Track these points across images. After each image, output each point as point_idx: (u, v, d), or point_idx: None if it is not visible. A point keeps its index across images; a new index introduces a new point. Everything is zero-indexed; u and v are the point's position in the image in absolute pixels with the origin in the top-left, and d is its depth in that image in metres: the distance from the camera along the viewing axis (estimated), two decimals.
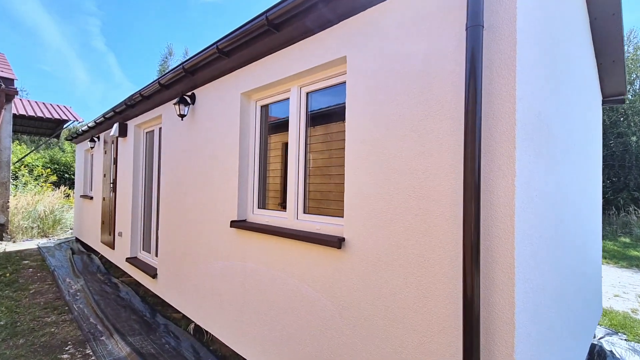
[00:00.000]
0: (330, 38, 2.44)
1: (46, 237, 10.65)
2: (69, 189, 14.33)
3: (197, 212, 3.84)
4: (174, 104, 3.91)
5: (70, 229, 11.50)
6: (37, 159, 17.59)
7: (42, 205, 11.30)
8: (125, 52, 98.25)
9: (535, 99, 1.74)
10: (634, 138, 16.16)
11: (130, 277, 6.09)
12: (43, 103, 15.26)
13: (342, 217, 2.47)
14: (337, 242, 2.23)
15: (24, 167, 14.78)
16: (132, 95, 5.05)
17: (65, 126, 15.17)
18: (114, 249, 6.49)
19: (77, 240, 9.66)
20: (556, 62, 2.16)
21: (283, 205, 3.15)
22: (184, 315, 4.44)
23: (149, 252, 5.53)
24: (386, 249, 2.01)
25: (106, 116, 6.36)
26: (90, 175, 8.96)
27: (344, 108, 2.58)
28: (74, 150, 19.67)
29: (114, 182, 6.51)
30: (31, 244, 9.43)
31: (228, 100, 3.41)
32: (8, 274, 6.42)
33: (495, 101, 1.59)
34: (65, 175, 17.27)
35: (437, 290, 1.77)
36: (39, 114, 13.49)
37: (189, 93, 4.06)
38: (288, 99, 2.99)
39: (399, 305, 1.94)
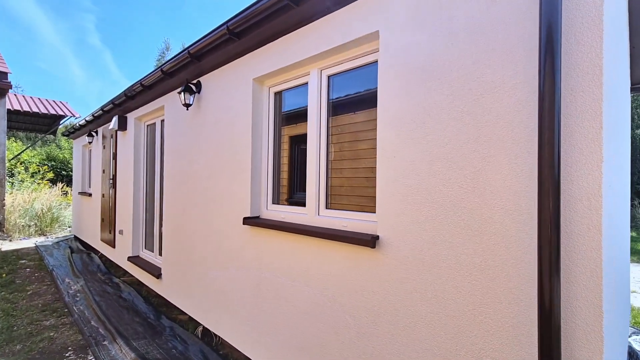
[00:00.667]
0: (359, 11, 2.17)
1: (44, 235, 10.38)
2: (67, 186, 14.03)
3: (205, 209, 3.58)
4: (179, 92, 3.64)
5: (69, 227, 11.23)
6: (33, 156, 17.23)
7: (39, 203, 11.01)
8: (121, 49, 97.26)
9: (614, 70, 1.49)
10: (638, 131, 15.98)
11: (132, 276, 5.85)
12: (39, 98, 14.89)
13: (373, 212, 2.22)
14: (370, 241, 1.98)
15: (20, 164, 14.46)
16: (132, 86, 4.77)
17: (61, 122, 14.83)
18: (114, 247, 6.23)
19: (76, 238, 9.39)
20: (620, 28, 1.91)
21: (296, 201, 2.90)
22: (190, 317, 4.20)
23: (152, 251, 5.28)
24: (430, 249, 1.76)
25: (105, 109, 6.07)
26: (89, 171, 8.68)
27: (371, 93, 2.32)
28: (71, 147, 19.32)
29: (114, 178, 6.24)
30: (28, 243, 9.16)
31: (238, 87, 3.15)
32: (4, 275, 6.15)
33: (574, 71, 1.34)
34: (63, 172, 16.93)
35: (496, 296, 1.53)
36: (35, 110, 13.14)
37: (194, 81, 3.78)
38: (306, 84, 2.73)
39: (447, 313, 1.70)
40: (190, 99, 3.67)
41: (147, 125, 5.53)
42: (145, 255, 5.39)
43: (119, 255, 6.06)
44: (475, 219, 1.60)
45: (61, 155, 17.42)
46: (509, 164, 1.50)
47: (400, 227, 1.90)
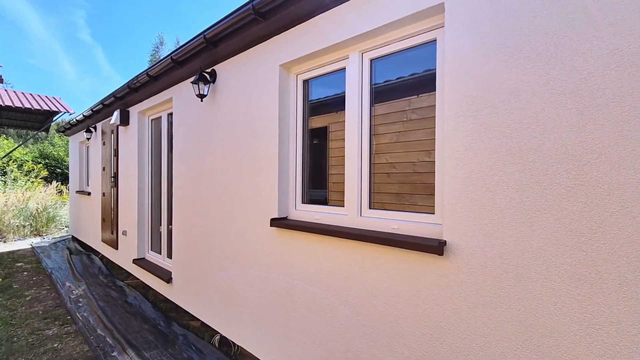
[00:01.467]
0: None
1: (40, 236, 10.00)
2: (62, 184, 13.60)
3: (223, 209, 3.29)
4: (192, 82, 3.32)
5: (66, 226, 10.85)
6: (25, 154, 16.73)
7: (34, 202, 10.61)
8: (113, 45, 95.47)
9: None
10: None
11: (137, 279, 5.54)
12: (30, 94, 14.37)
13: (430, 213, 1.96)
14: (437, 247, 1.71)
15: (13, 162, 13.98)
16: (137, 77, 4.43)
17: (55, 118, 14.32)
18: (117, 249, 5.92)
19: (74, 239, 9.04)
20: None
21: (325, 201, 2.62)
22: (202, 323, 3.93)
23: (159, 253, 4.97)
24: (518, 257, 1.50)
25: (105, 103, 5.72)
26: (87, 169, 8.31)
27: (424, 76, 2.04)
28: (66, 144, 18.81)
29: (115, 176, 5.91)
30: (24, 244, 8.79)
31: (262, 75, 2.85)
32: (0, 279, 5.81)
33: None
34: (57, 170, 16.45)
35: (612, 315, 1.28)
36: (27, 105, 12.63)
37: (209, 70, 3.47)
38: (343, 69, 2.44)
39: (541, 332, 1.44)
40: (204, 89, 3.36)
41: (152, 120, 5.20)
42: (152, 257, 5.09)
43: (122, 258, 5.75)
44: (583, 222, 1.34)
45: (55, 153, 16.91)
46: (631, 156, 1.24)
47: (475, 232, 1.63)
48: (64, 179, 16.05)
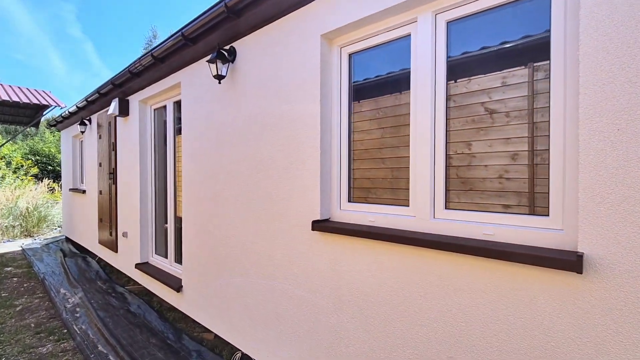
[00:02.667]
0: None
1: (30, 236, 9.42)
2: (54, 181, 12.97)
3: (247, 210, 2.82)
4: (209, 60, 2.84)
5: (58, 227, 10.27)
6: (14, 150, 16.00)
7: (24, 201, 10.02)
8: (103, 40, 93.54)
9: None
10: None
11: (139, 284, 5.06)
12: (19, 87, 13.63)
13: (544, 215, 1.51)
14: (572, 262, 1.27)
15: (1, 159, 13.30)
16: (140, 59, 3.92)
17: (44, 113, 13.65)
18: (117, 251, 5.41)
19: (68, 239, 8.48)
20: None
21: (378, 199, 2.18)
22: (216, 336, 3.48)
23: (165, 257, 4.49)
24: None
25: (101, 91, 5.19)
26: (81, 165, 7.76)
27: (523, 45, 1.59)
28: (58, 140, 18.08)
29: (114, 172, 5.39)
30: (14, 246, 8.22)
31: (298, 49, 2.37)
32: None
33: None
34: (49, 167, 15.76)
35: None
36: (15, 99, 11.92)
37: (227, 47, 2.99)
38: (407, 36, 1.98)
39: None
40: (223, 69, 2.88)
41: (155, 110, 4.69)
42: (157, 261, 4.60)
43: (123, 261, 5.25)
44: None
45: (46, 149, 16.20)
46: None
47: (633, 242, 1.19)
48: (56, 176, 15.38)
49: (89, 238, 6.76)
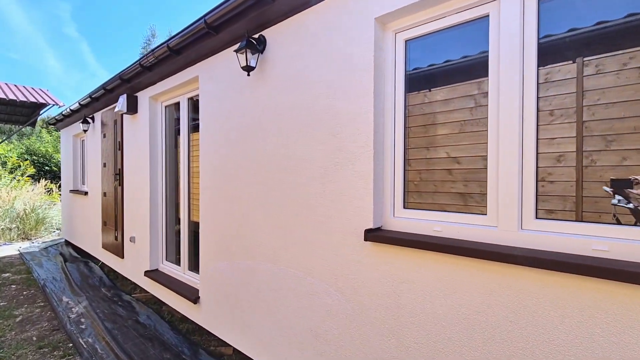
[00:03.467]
0: None
1: (28, 239, 9.06)
2: (51, 182, 12.58)
3: (280, 215, 2.54)
4: (237, 50, 2.56)
5: (57, 229, 9.91)
6: (10, 150, 15.57)
7: (21, 202, 9.66)
8: (100, 40, 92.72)
9: None
10: None
11: (146, 291, 4.76)
12: (15, 85, 13.26)
13: None
14: None
15: None
16: (153, 51, 3.63)
17: (42, 112, 13.29)
18: (123, 257, 5.10)
19: (68, 243, 8.14)
20: None
21: (438, 205, 1.91)
22: (235, 350, 3.19)
23: (177, 264, 4.19)
24: None
25: (107, 87, 4.88)
26: (82, 165, 7.43)
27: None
28: (55, 139, 17.67)
29: (120, 173, 5.08)
30: (10, 250, 7.87)
31: (345, 35, 2.10)
32: None
33: None
34: (45, 167, 15.34)
35: None
36: (11, 97, 11.54)
37: (255, 36, 2.71)
38: (484, 17, 1.71)
39: None
40: (252, 60, 2.60)
41: (166, 107, 4.40)
42: (168, 269, 4.30)
43: (130, 268, 4.94)
44: None
45: (43, 149, 15.77)
46: None
47: None
48: (53, 176, 14.99)
49: (92, 242, 6.44)
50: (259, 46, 2.62)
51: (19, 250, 7.80)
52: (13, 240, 8.83)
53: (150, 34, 32.99)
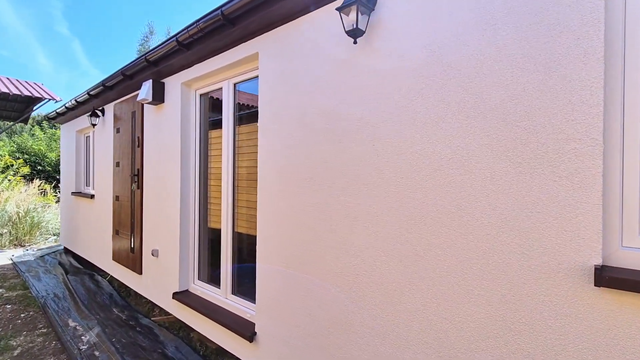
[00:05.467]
0: None
1: (22, 246, 8.18)
2: (46, 183, 11.66)
3: (404, 236, 1.84)
4: (340, 8, 1.86)
5: (54, 234, 9.03)
6: (0, 147, 14.58)
7: (14, 205, 8.77)
8: (92, 38, 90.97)
9: None
10: None
11: (168, 313, 4.01)
12: (8, 78, 12.32)
13: None
14: None
15: None
16: (197, 22, 2.90)
17: (36, 107, 12.38)
18: (140, 273, 4.33)
19: (67, 251, 7.31)
20: None
21: None
22: None
23: (216, 285, 3.45)
24: None
25: (126, 72, 4.13)
26: (86, 164, 6.63)
27: None
28: (49, 137, 16.68)
29: (139, 174, 4.32)
30: (2, 259, 7.00)
31: None
32: None
33: None
34: (39, 166, 14.34)
35: None
36: (3, 90, 10.64)
37: None
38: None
39: None
40: (362, 20, 1.90)
41: (201, 95, 3.67)
42: (202, 290, 3.55)
43: (150, 287, 4.17)
44: None
45: (36, 147, 14.78)
46: None
47: None
48: (47, 177, 14.02)
49: (98, 252, 5.63)
50: (368, 2, 1.92)
51: (11, 260, 6.94)
52: (4, 247, 7.95)
53: (148, 30, 32.05)
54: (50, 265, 6.51)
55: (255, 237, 2.76)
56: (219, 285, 3.38)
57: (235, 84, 3.22)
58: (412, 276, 1.79)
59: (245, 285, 3.22)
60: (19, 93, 10.98)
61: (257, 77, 2.96)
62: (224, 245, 3.30)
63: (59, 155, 15.20)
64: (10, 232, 8.26)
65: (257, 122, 2.74)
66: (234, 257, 3.25)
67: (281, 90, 2.51)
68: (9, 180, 10.73)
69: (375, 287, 1.94)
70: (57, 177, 14.44)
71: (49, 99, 11.50)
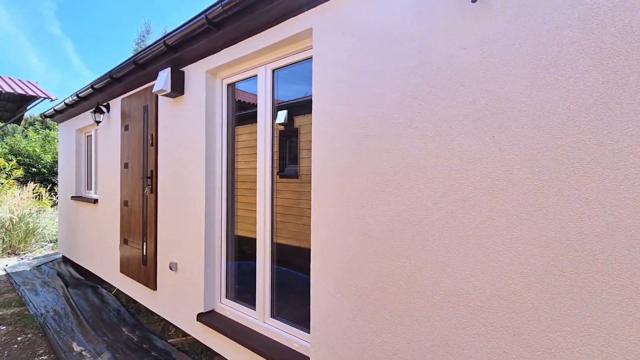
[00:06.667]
0: None
1: (16, 254, 7.59)
2: (41, 186, 11.05)
3: (561, 267, 1.37)
4: None
5: (50, 242, 8.45)
6: None
7: (7, 210, 8.18)
8: (84, 39, 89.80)
9: None
10: None
11: (185, 333, 3.52)
12: (0, 76, 11.75)
13: None
14: None
15: None
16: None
17: (29, 107, 11.77)
18: (155, 289, 3.82)
19: (66, 260, 6.75)
20: None
21: None
22: None
23: (249, 306, 2.96)
24: None
25: (139, 60, 3.62)
26: (87, 165, 6.09)
27: None
28: (43, 137, 16.02)
29: (153, 176, 3.82)
30: None
31: None
32: None
33: None
34: (33, 169, 13.69)
35: None
36: None
37: None
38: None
39: None
40: None
41: (228, 85, 3.18)
42: (232, 311, 3.05)
43: (167, 305, 3.66)
44: None
45: (30, 148, 14.12)
46: None
47: None
48: (42, 179, 13.37)
49: (103, 263, 5.10)
50: None
51: (5, 270, 6.37)
52: None
53: (144, 29, 31.36)
54: (48, 277, 5.95)
55: (300, 249, 2.29)
56: (253, 306, 2.89)
57: (273, 70, 2.75)
58: (573, 318, 1.32)
59: (287, 308, 2.74)
60: (12, 91, 10.38)
61: (304, 60, 2.50)
62: (261, 260, 2.81)
63: (54, 157, 14.61)
64: (3, 240, 7.67)
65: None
66: (273, 273, 2.77)
67: (342, 74, 2.03)
68: (1, 183, 10.11)
69: (501, 325, 1.47)
70: (53, 179, 13.79)
71: (44, 98, 10.90)
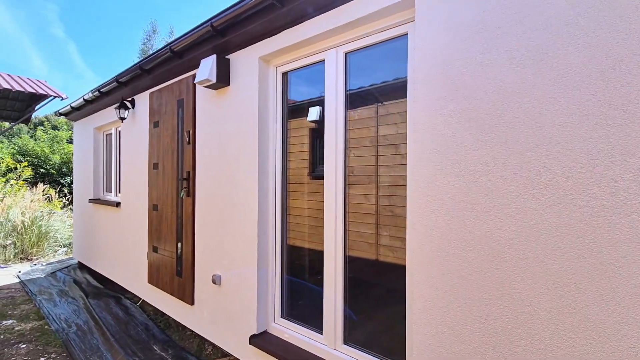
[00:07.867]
0: None
1: (28, 259, 7.22)
2: (50, 187, 10.70)
3: None
4: None
5: (64, 246, 8.07)
6: (0, 149, 13.59)
7: (18, 212, 7.81)
8: (88, 41, 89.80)
9: None
10: None
11: (224, 352, 3.12)
12: (9, 74, 11.41)
13: None
14: None
15: None
16: None
17: (38, 106, 11.44)
18: (192, 303, 3.42)
19: (82, 266, 6.37)
20: None
21: None
22: None
23: (315, 329, 2.54)
24: None
25: (175, 48, 3.23)
26: (105, 166, 5.71)
27: None
28: (51, 137, 15.69)
29: (189, 178, 3.42)
30: (8, 275, 6.04)
31: None
32: None
33: None
34: (42, 169, 13.35)
35: None
36: (5, 86, 9.70)
37: None
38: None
39: None
40: None
41: (283, 74, 2.78)
42: (291, 333, 2.64)
43: (209, 324, 3.25)
44: None
45: (38, 149, 13.78)
46: None
47: None
48: (51, 180, 13.03)
49: (127, 272, 4.71)
50: None
51: (18, 277, 5.99)
52: (9, 261, 6.99)
53: (151, 29, 31.05)
54: (65, 285, 5.57)
55: (380, 264, 1.88)
56: (316, 328, 2.48)
57: (346, 53, 2.34)
58: None
59: (361, 333, 2.32)
60: (22, 90, 10.03)
61: (388, 39, 2.09)
62: (330, 275, 2.40)
63: (63, 158, 14.28)
64: (15, 244, 7.31)
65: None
66: (345, 292, 2.35)
67: (474, 42, 1.62)
68: (11, 184, 9.75)
69: None
70: (61, 180, 13.45)
71: (54, 97, 10.54)
